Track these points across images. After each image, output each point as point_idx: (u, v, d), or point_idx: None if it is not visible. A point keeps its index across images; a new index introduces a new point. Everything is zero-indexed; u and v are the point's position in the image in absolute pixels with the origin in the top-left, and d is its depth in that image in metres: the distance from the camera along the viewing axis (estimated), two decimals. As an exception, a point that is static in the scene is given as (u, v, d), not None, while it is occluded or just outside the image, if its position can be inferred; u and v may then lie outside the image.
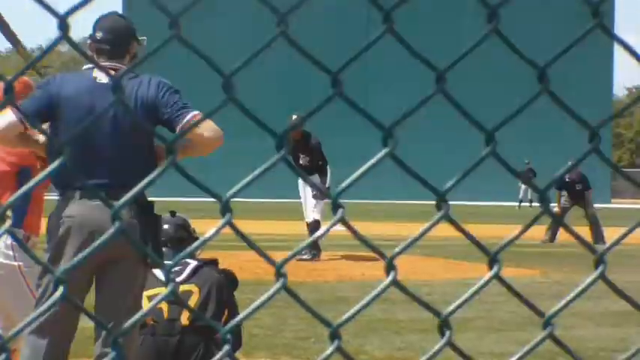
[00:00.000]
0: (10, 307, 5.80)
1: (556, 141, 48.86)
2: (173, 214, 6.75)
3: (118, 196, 1.52)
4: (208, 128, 5.04)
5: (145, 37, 5.57)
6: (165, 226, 6.27)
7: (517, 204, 47.60)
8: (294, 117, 14.73)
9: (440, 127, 50.30)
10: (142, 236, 5.01)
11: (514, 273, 13.89)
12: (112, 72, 5.15)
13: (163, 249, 6.10)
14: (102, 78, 5.21)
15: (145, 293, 5.64)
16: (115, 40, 5.33)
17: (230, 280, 6.48)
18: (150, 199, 5.20)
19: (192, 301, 6.20)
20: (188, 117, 5.10)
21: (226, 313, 6.29)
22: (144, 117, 5.13)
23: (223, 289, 6.36)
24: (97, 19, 5.47)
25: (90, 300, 5.31)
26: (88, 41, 5.49)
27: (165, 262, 6.23)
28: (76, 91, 5.18)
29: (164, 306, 6.26)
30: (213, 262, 6.55)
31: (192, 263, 6.39)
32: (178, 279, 6.29)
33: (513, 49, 1.61)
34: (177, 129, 5.08)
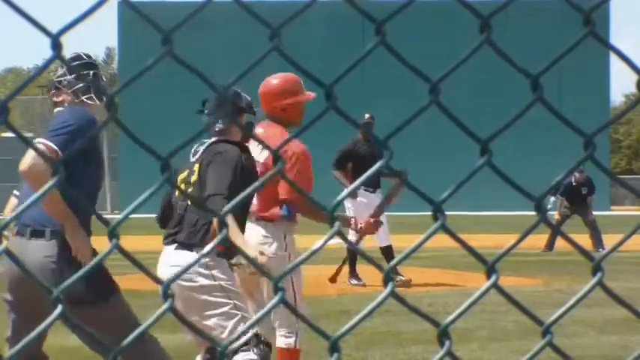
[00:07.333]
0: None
1: (556, 151, 48.86)
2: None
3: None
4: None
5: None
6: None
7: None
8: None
9: (439, 137, 50.35)
10: (59, 272, 5.10)
11: (516, 282, 13.88)
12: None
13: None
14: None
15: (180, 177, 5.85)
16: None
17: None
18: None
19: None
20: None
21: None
22: None
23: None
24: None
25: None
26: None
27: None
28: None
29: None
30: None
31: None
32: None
33: (506, 59, 1.61)
34: None
